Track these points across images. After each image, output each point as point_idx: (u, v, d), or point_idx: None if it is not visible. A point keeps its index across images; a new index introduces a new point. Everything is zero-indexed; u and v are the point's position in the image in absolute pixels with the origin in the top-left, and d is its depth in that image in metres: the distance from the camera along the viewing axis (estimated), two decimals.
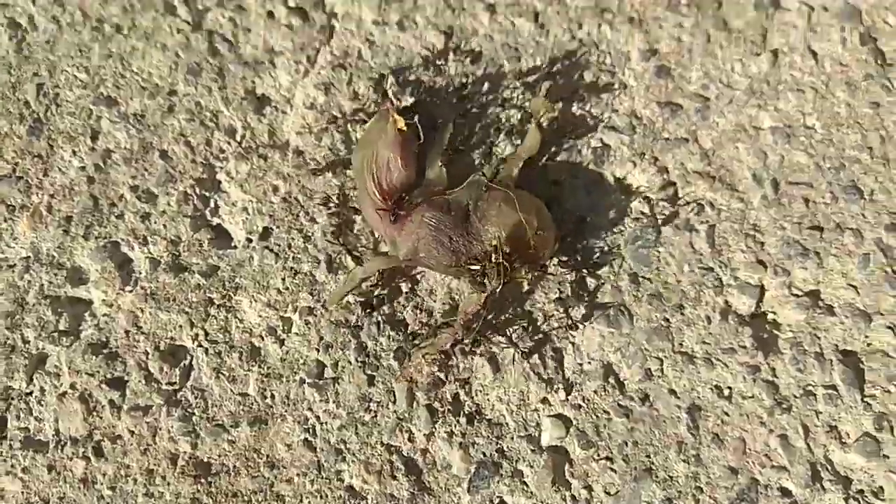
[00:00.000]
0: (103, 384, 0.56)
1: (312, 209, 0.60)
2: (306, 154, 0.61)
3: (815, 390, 0.55)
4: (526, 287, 0.58)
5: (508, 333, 0.57)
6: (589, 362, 0.56)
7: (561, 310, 0.57)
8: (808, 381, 0.55)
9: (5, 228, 0.60)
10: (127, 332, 0.57)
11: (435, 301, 0.58)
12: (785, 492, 0.53)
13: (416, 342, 0.56)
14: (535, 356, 0.56)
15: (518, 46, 0.64)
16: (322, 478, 0.54)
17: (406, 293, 0.58)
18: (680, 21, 0.64)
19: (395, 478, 0.54)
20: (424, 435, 0.55)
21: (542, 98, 0.59)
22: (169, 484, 0.54)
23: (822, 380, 0.55)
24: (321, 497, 0.54)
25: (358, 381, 0.56)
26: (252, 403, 0.56)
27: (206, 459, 0.54)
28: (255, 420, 0.55)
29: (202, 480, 0.54)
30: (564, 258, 0.58)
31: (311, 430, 0.55)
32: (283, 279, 0.58)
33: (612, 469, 0.54)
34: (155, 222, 0.60)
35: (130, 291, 0.58)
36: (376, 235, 0.59)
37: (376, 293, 0.58)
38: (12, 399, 0.56)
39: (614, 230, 0.59)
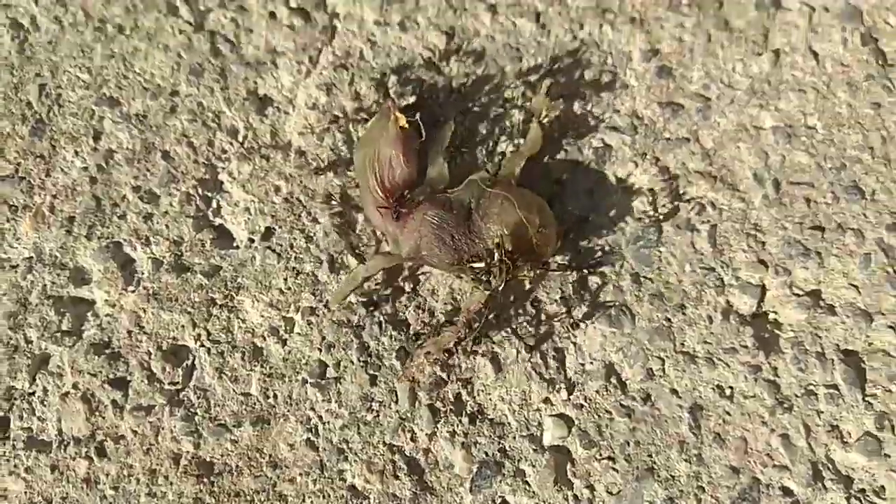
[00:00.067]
0: (106, 384, 0.56)
1: (314, 209, 0.60)
2: (308, 154, 0.62)
3: (816, 390, 0.55)
4: (528, 286, 0.58)
5: (510, 331, 0.57)
6: (591, 362, 0.56)
7: (563, 309, 0.57)
8: (809, 380, 0.55)
9: (8, 229, 0.60)
10: (129, 332, 0.57)
11: (437, 301, 0.58)
12: (786, 491, 0.53)
13: (419, 342, 0.56)
14: (537, 356, 0.57)
15: (519, 46, 0.64)
16: (324, 477, 0.54)
17: (408, 293, 0.58)
18: (681, 21, 0.65)
19: (397, 477, 0.54)
20: (427, 435, 0.55)
21: (543, 96, 0.60)
22: (172, 484, 0.54)
23: (823, 379, 0.55)
24: (324, 497, 0.54)
25: (360, 380, 0.56)
26: (254, 403, 0.56)
27: (208, 459, 0.55)
28: (258, 420, 0.55)
29: (205, 480, 0.54)
30: (566, 257, 0.58)
31: (313, 430, 0.55)
32: (286, 279, 0.58)
33: (614, 469, 0.54)
34: (157, 223, 0.60)
35: (133, 291, 0.58)
36: (378, 235, 0.59)
37: (379, 292, 0.58)
38: (15, 399, 0.56)
39: (616, 230, 0.59)
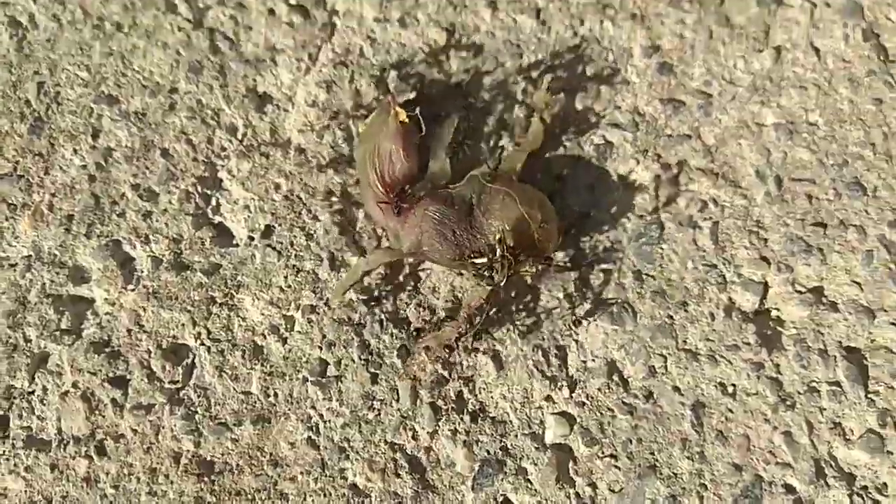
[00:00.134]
0: (105, 383, 0.56)
1: (314, 207, 0.60)
2: (308, 152, 0.61)
3: (818, 387, 0.55)
4: (529, 282, 0.58)
5: (511, 328, 0.57)
6: (593, 360, 0.56)
7: (564, 307, 0.57)
8: (811, 377, 0.55)
9: (7, 227, 0.59)
10: (129, 330, 0.57)
11: (438, 299, 0.58)
12: (789, 488, 0.53)
13: (419, 337, 0.56)
14: (539, 353, 0.56)
15: (520, 43, 0.64)
16: (326, 476, 0.54)
17: (409, 291, 0.58)
18: (682, 17, 0.64)
19: (398, 476, 0.54)
20: (428, 433, 0.55)
21: (544, 92, 0.59)
22: (172, 482, 0.54)
23: (825, 376, 0.55)
24: (325, 495, 0.54)
25: (361, 379, 0.56)
26: (255, 402, 0.56)
27: (209, 458, 0.54)
28: (259, 418, 0.55)
29: (205, 479, 0.54)
30: (567, 254, 0.58)
31: (314, 429, 0.55)
32: (286, 277, 0.58)
33: (616, 466, 0.54)
34: (156, 220, 0.60)
35: (132, 290, 0.58)
36: (378, 232, 0.59)
37: (380, 288, 0.58)
38: (14, 398, 0.56)
39: (617, 226, 0.59)
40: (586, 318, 0.57)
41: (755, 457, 0.54)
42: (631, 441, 0.54)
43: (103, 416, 0.55)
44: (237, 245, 0.59)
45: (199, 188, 0.60)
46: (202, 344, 0.57)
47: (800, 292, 0.57)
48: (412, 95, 0.62)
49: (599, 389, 0.56)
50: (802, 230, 0.59)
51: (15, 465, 0.54)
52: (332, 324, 0.57)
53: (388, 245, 0.57)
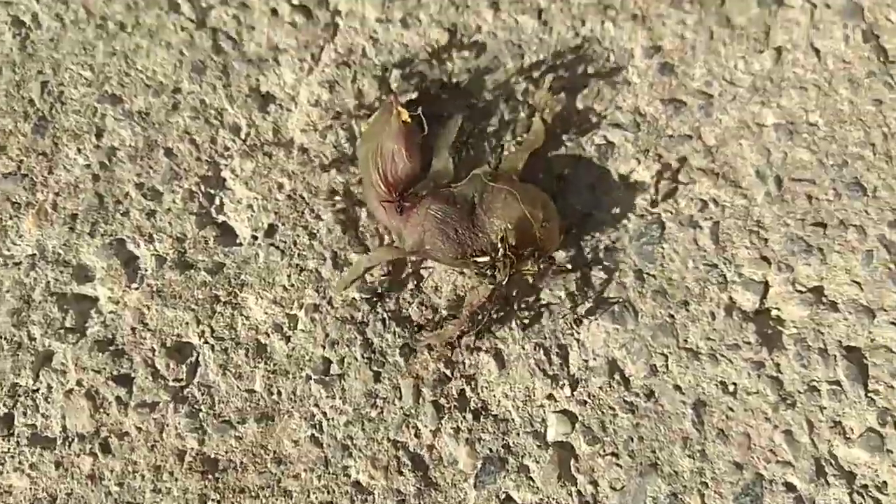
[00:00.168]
0: (110, 381, 0.56)
1: (317, 206, 0.60)
2: (311, 151, 0.62)
3: (819, 386, 0.55)
4: (531, 281, 0.58)
5: (513, 327, 0.57)
6: (594, 358, 0.57)
7: (566, 306, 0.58)
8: (812, 376, 0.56)
9: (11, 226, 0.60)
10: (133, 329, 0.57)
11: (440, 298, 0.58)
12: (789, 487, 0.53)
13: (422, 334, 0.56)
14: (541, 352, 0.57)
15: (521, 43, 0.64)
16: (329, 473, 0.54)
17: (411, 290, 0.58)
18: (683, 18, 0.65)
19: (401, 473, 0.54)
20: (431, 431, 0.55)
21: (545, 91, 0.60)
22: (176, 480, 0.54)
23: (826, 375, 0.56)
24: (328, 492, 0.54)
25: (364, 377, 0.56)
26: (259, 400, 0.56)
27: (213, 455, 0.55)
28: (262, 416, 0.55)
29: (209, 476, 0.54)
30: (569, 253, 0.59)
31: (317, 426, 0.55)
32: (289, 276, 0.59)
33: (617, 464, 0.54)
34: (160, 220, 0.60)
35: (136, 288, 0.58)
36: (381, 231, 0.59)
37: (384, 285, 0.58)
38: (19, 396, 0.56)
39: (618, 226, 0.59)
40: (588, 316, 0.57)
41: (756, 455, 0.54)
42: (632, 439, 0.55)
43: (108, 414, 0.56)
44: (241, 244, 0.60)
45: (203, 187, 0.61)
46: (206, 342, 0.57)
47: (800, 292, 0.58)
48: (414, 95, 0.62)
49: (601, 388, 0.56)
50: (803, 230, 0.59)
51: (20, 462, 0.54)
52: (336, 322, 0.57)
53: (392, 243, 0.58)
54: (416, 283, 0.59)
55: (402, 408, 0.56)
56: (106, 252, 0.59)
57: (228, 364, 0.57)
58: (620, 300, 0.58)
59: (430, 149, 0.58)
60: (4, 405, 0.56)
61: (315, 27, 0.65)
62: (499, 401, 0.56)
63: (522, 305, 0.58)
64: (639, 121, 0.62)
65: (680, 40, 0.64)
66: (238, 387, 0.56)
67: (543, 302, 0.58)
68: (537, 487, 0.54)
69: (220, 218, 0.60)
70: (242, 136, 0.62)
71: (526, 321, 0.57)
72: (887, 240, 0.58)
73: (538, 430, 0.55)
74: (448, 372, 0.56)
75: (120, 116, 0.62)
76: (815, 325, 0.57)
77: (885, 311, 0.57)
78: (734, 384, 0.56)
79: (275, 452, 0.55)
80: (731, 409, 0.55)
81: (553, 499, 0.53)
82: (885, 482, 0.53)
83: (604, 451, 0.55)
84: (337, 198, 0.60)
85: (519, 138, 0.61)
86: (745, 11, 0.65)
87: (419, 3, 0.65)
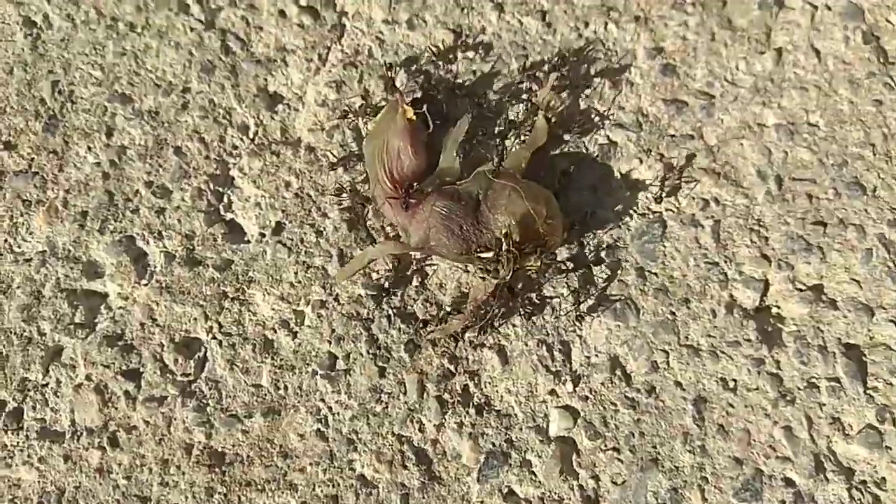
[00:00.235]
0: (119, 375, 0.57)
1: (324, 204, 0.61)
2: (318, 150, 0.62)
3: (818, 383, 0.56)
4: (534, 277, 0.59)
5: (516, 324, 0.58)
6: (596, 355, 0.57)
7: (568, 303, 0.58)
8: (811, 373, 0.56)
9: (22, 223, 0.60)
10: (142, 324, 0.58)
11: (445, 295, 0.59)
12: (789, 482, 0.54)
13: (426, 329, 0.57)
14: (544, 348, 0.57)
15: (525, 44, 0.65)
16: (334, 467, 0.55)
17: (416, 287, 0.59)
18: (685, 20, 0.65)
19: (405, 467, 0.55)
20: (435, 426, 0.56)
21: (548, 90, 0.60)
22: (184, 473, 0.55)
23: (825, 372, 0.56)
24: (333, 486, 0.55)
25: (369, 372, 0.57)
26: (265, 394, 0.57)
27: (220, 449, 0.55)
28: (269, 411, 0.56)
29: (216, 470, 0.55)
30: (572, 250, 0.59)
31: (323, 421, 0.56)
32: (296, 273, 0.59)
33: (618, 459, 0.55)
34: (169, 217, 0.61)
35: (146, 285, 0.59)
36: (387, 228, 0.60)
37: (389, 280, 0.59)
38: (29, 390, 0.57)
39: (620, 224, 0.60)
40: (590, 314, 0.58)
41: (755, 451, 0.55)
42: (633, 435, 0.55)
43: (116, 409, 0.56)
44: (248, 241, 0.60)
45: (212, 185, 0.62)
46: (214, 338, 0.58)
47: (800, 290, 0.58)
48: (419, 94, 0.63)
49: (603, 384, 0.57)
50: (803, 229, 0.60)
51: (29, 456, 0.55)
52: (341, 318, 0.58)
53: (397, 238, 0.58)
54: (420, 280, 0.59)
55: (406, 403, 0.56)
56: (115, 249, 0.60)
57: (236, 359, 0.57)
58: (622, 297, 0.58)
59: (435, 146, 0.59)
60: (14, 399, 0.56)
61: (322, 28, 0.66)
62: (502, 396, 0.57)
63: (525, 302, 0.58)
64: (641, 121, 0.63)
65: (682, 41, 0.65)
66: (245, 381, 0.57)
67: (546, 299, 0.59)
68: (539, 482, 0.54)
69: (229, 215, 0.61)
70: (250, 135, 0.63)
71: (529, 318, 0.58)
72: (886, 239, 0.59)
73: (541, 425, 0.56)
74: (452, 367, 0.57)
75: (130, 115, 0.63)
76: (815, 323, 0.57)
77: (884, 308, 0.57)
78: (734, 381, 0.56)
79: (281, 446, 0.55)
80: (732, 406, 0.56)
81: (555, 493, 0.54)
82: (883, 478, 0.54)
83: (605, 446, 0.55)
84: (343, 196, 0.61)
85: (523, 137, 0.62)
86: (746, 13, 0.65)
87: (424, 5, 0.66)
